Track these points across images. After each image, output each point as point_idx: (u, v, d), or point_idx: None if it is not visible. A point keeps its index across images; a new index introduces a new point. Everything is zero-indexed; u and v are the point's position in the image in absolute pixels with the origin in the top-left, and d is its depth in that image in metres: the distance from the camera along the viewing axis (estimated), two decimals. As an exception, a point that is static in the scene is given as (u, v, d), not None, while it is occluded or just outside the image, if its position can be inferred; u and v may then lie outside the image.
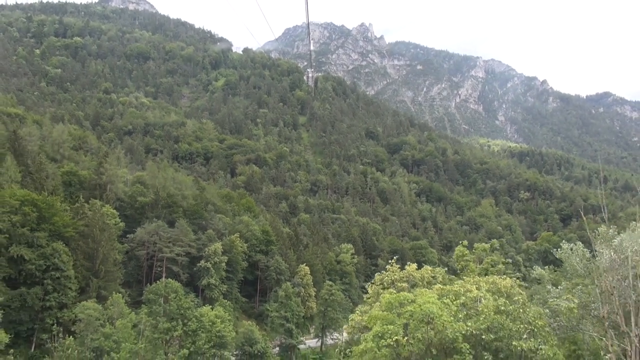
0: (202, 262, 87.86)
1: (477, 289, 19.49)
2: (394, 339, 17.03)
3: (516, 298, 18.78)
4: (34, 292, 63.03)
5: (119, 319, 55.92)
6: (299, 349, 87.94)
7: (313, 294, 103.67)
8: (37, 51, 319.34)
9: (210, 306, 70.69)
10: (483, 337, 16.63)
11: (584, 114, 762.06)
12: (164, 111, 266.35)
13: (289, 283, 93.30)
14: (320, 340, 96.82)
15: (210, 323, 65.08)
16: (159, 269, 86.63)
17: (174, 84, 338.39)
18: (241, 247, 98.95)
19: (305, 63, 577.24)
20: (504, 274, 22.52)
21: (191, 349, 61.77)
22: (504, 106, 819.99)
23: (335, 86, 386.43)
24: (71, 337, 53.49)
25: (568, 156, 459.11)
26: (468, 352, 16.33)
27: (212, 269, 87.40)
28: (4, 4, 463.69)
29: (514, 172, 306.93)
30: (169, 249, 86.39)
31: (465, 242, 28.23)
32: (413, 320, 17.42)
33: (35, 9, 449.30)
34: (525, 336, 16.30)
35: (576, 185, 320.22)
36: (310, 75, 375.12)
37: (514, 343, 15.64)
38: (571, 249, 31.69)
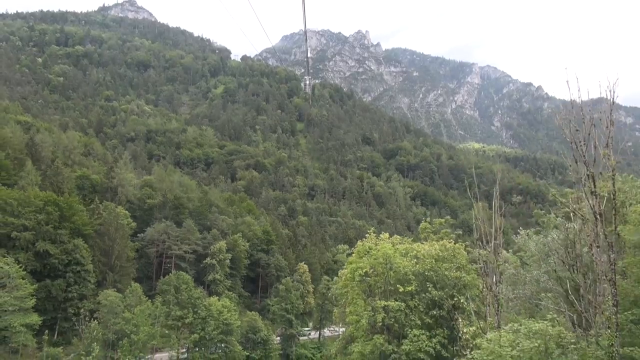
0: (208, 259, 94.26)
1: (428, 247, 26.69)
2: (363, 271, 24.21)
3: (448, 245, 25.73)
4: (58, 284, 69.52)
5: (137, 306, 62.18)
6: (298, 339, 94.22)
7: (311, 290, 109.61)
8: (40, 60, 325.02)
9: (217, 297, 76.97)
10: (426, 274, 23.69)
11: (578, 120, 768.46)
12: (165, 118, 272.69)
13: (289, 278, 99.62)
14: (318, 332, 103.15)
15: (218, 312, 71.46)
16: (168, 266, 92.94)
17: (174, 91, 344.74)
18: (243, 246, 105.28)
19: (303, 70, 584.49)
20: (454, 241, 29.03)
21: (201, 334, 68.15)
22: (499, 112, 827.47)
23: (332, 93, 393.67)
24: (95, 321, 59.71)
25: (562, 161, 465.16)
26: (415, 281, 23.38)
27: (217, 265, 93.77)
28: (4, 12, 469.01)
29: (507, 176, 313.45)
30: (178, 246, 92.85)
31: (428, 219, 34.80)
32: (376, 261, 24.55)
33: (36, 17, 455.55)
34: (454, 270, 23.22)
35: (568, 189, 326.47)
36: (307, 82, 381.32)
37: (445, 273, 22.62)
38: (527, 234, 38.19)
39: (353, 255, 29.70)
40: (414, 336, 22.94)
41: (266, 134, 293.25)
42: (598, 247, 11.68)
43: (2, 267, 54.98)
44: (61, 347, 61.33)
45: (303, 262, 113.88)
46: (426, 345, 21.64)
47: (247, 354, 78.23)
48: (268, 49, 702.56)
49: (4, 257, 59.48)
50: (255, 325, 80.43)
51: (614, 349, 11.13)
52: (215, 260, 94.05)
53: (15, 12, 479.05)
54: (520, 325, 13.07)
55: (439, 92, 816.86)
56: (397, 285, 23.60)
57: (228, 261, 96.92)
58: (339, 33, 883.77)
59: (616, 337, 11.20)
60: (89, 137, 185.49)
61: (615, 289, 11.64)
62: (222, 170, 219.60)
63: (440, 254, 24.51)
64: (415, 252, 27.10)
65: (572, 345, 11.76)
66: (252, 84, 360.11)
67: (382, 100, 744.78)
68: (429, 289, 23.18)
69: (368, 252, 26.72)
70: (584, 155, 12.49)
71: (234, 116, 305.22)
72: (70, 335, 69.50)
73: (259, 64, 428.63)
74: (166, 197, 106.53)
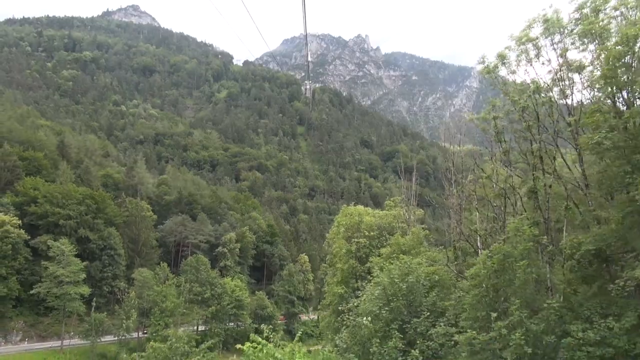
0: (220, 248, 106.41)
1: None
2: (344, 225, 36.89)
3: (400, 211, 38.40)
4: (95, 266, 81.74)
5: (166, 281, 74.47)
6: (300, 317, 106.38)
7: (311, 278, 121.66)
8: (49, 64, 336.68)
9: (230, 277, 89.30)
10: (385, 226, 36.28)
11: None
12: (171, 122, 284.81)
13: (291, 264, 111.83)
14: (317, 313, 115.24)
15: (231, 290, 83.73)
16: (184, 253, 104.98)
17: (179, 95, 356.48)
18: (250, 237, 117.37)
19: (304, 74, 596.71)
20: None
21: (217, 307, 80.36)
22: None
23: (332, 97, 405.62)
24: (133, 293, 72.00)
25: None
26: (376, 230, 35.89)
27: (228, 253, 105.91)
28: (11, 17, 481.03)
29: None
30: (193, 236, 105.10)
31: (392, 198, 47.28)
32: (351, 217, 37.25)
33: (42, 22, 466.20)
34: (400, 223, 35.88)
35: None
36: (308, 87, 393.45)
37: (393, 224, 35.18)
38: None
39: (339, 216, 42.46)
40: (373, 260, 35.67)
41: (268, 137, 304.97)
42: (452, 195, 23.86)
43: (58, 246, 67.20)
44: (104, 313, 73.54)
45: (304, 254, 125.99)
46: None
47: (256, 326, 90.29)
48: (269, 52, 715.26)
49: (56, 240, 71.67)
50: (263, 303, 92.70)
51: (456, 244, 23.24)
52: (226, 248, 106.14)
53: (22, 17, 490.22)
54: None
55: (438, 95, 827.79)
56: (364, 231, 36.60)
57: (237, 250, 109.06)
58: (339, 37, 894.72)
59: (459, 238, 23.33)
60: (102, 140, 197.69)
61: (459, 216, 23.76)
62: (227, 171, 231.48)
63: (395, 214, 37.65)
64: (380, 214, 40.07)
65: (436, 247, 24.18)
66: (254, 89, 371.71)
67: (382, 103, 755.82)
68: (385, 234, 36.13)
69: (346, 213, 40.02)
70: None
71: (237, 120, 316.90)
72: (103, 309, 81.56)
73: (261, 68, 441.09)
74: (181, 194, 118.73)
